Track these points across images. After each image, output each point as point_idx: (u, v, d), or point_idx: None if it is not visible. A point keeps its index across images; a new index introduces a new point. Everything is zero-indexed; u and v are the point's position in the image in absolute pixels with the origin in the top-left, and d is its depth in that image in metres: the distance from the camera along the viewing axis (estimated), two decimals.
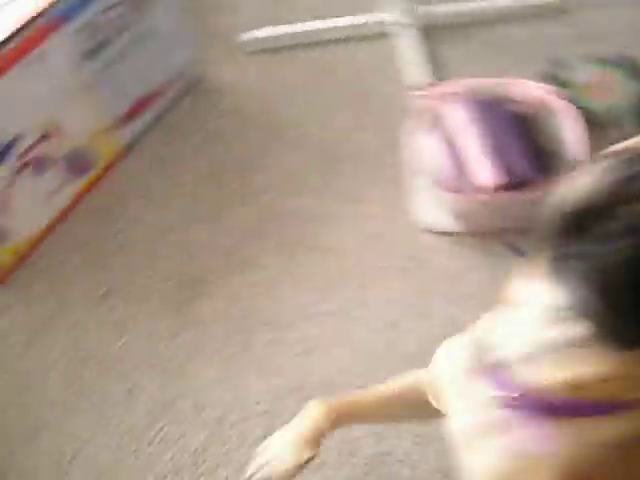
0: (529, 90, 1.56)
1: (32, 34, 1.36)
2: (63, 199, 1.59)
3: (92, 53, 1.50)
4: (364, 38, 1.91)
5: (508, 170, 1.46)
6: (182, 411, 1.37)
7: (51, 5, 1.36)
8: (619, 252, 0.61)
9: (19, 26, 1.33)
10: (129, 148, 1.71)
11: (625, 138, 0.92)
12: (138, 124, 1.70)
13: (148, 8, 1.57)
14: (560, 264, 0.67)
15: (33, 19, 1.34)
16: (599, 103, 1.68)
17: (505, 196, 1.45)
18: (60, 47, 1.42)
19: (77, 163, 1.58)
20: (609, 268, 0.62)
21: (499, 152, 1.48)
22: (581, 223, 0.65)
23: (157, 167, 1.70)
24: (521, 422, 0.73)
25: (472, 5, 1.94)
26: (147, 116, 1.72)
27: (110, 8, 1.46)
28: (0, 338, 1.49)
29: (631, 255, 0.60)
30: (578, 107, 1.54)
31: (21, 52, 1.35)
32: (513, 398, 0.73)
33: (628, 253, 0.60)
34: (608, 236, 0.61)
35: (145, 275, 1.54)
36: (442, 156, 1.49)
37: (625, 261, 0.60)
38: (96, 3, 1.44)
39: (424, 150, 1.51)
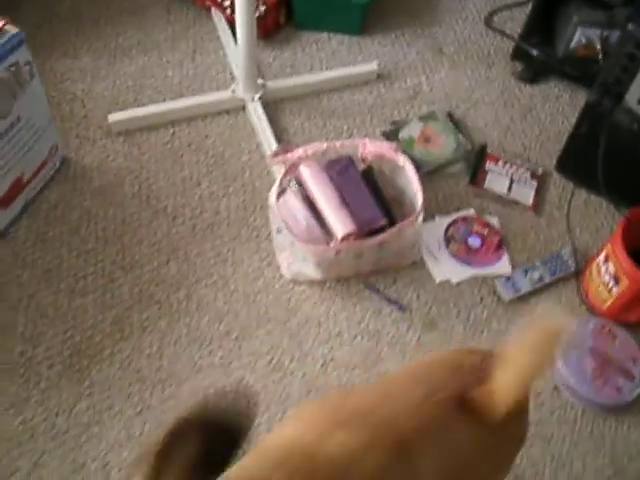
0: (371, 147, 1.75)
1: None
2: None
3: None
4: (222, 113, 2.03)
5: (358, 220, 1.64)
6: (92, 475, 1.44)
7: None
8: None
9: None
10: (5, 233, 1.75)
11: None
12: (12, 209, 1.75)
13: (16, 99, 1.63)
14: None
15: None
16: (431, 153, 1.93)
17: (357, 243, 1.63)
18: None
19: None
20: None
21: (349, 204, 1.66)
22: None
23: (34, 249, 1.74)
24: None
25: (308, 78, 2.13)
26: (20, 200, 1.77)
27: None
28: None
29: None
30: (412, 158, 1.76)
31: None
32: None
33: None
34: None
35: (35, 352, 1.59)
36: (300, 213, 1.65)
37: None
38: None
39: (286, 209, 1.66)
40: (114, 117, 1.97)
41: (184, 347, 1.62)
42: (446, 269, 1.76)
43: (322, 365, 1.60)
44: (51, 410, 1.52)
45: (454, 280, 1.75)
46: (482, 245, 1.79)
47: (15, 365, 1.58)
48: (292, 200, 1.68)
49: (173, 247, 1.77)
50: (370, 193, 1.71)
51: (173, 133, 1.99)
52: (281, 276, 1.73)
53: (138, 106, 2.03)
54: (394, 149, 1.75)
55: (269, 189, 1.72)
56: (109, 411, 1.53)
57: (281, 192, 1.69)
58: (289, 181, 1.72)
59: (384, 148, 1.76)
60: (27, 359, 1.58)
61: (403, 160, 1.73)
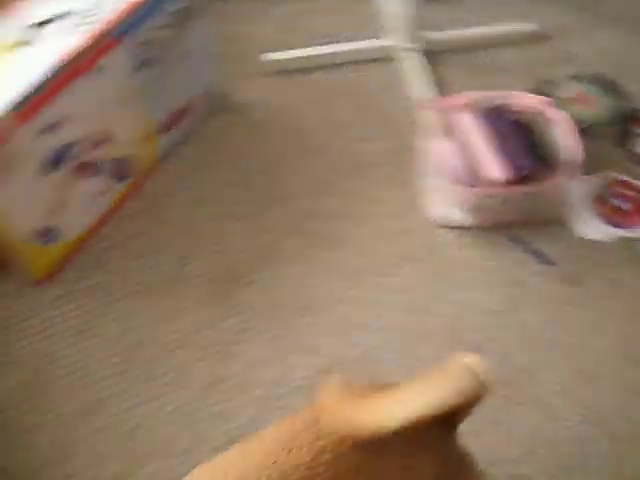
0: (527, 100, 1.75)
1: (97, 49, 1.48)
2: (106, 202, 1.71)
3: (140, 67, 1.61)
4: (373, 61, 2.07)
5: (514, 167, 1.64)
6: (230, 389, 1.49)
7: (116, 22, 1.49)
8: None
9: (89, 43, 1.44)
10: (165, 157, 1.83)
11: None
12: (174, 134, 1.83)
13: (189, 30, 1.71)
14: None
15: (101, 36, 1.46)
16: (584, 113, 1.90)
17: (513, 189, 1.64)
18: (117, 61, 1.54)
19: (120, 169, 1.70)
20: None
21: (505, 151, 1.66)
22: None
23: (191, 174, 1.82)
24: None
25: (467, 32, 2.14)
26: (181, 128, 1.85)
27: (160, 28, 1.60)
28: (52, 327, 1.58)
29: None
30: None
31: (85, 66, 1.46)
32: None
33: None
34: None
35: (186, 270, 1.66)
36: (455, 157, 1.67)
37: None
38: (150, 21, 1.57)
39: (437, 154, 1.68)
40: (269, 57, 2.03)
41: (326, 278, 1.66)
42: (592, 228, 1.74)
43: (462, 308, 1.61)
44: (198, 324, 1.58)
45: (600, 239, 1.72)
46: (631, 208, 1.76)
47: (169, 280, 1.65)
48: (444, 145, 1.69)
49: (321, 183, 1.81)
50: (523, 143, 1.71)
51: (326, 77, 2.03)
52: (425, 219, 1.75)
53: (292, 49, 2.08)
54: (549, 104, 1.75)
55: (419, 136, 1.75)
56: (250, 331, 1.57)
57: (433, 137, 1.71)
58: (442, 127, 1.73)
59: (539, 102, 1.76)
60: (179, 275, 1.66)
61: (558, 115, 1.72)
